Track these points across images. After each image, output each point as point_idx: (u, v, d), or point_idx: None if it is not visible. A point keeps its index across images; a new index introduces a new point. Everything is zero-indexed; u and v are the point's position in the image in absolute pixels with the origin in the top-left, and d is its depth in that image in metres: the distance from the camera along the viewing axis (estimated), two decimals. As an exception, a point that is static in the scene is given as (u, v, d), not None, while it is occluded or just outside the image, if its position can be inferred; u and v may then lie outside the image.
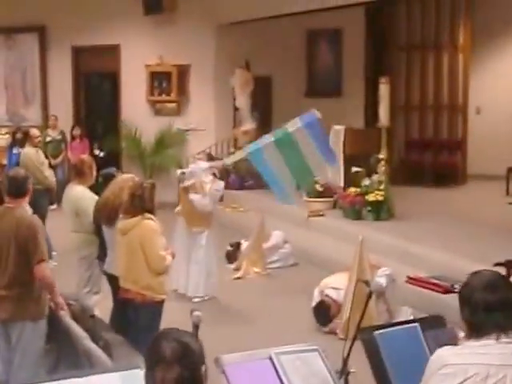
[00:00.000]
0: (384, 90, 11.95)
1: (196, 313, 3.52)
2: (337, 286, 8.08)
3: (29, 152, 11.05)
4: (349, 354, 3.61)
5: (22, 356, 5.72)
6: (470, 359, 3.00)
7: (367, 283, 3.75)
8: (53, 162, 12.69)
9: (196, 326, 3.49)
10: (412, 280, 8.96)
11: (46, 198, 10.69)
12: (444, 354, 3.07)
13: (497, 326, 3.03)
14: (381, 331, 3.57)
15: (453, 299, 8.04)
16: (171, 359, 2.68)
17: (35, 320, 5.74)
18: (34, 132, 11.39)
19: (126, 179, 7.02)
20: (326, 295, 8.12)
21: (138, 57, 15.59)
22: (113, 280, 6.87)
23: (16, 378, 5.58)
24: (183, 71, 15.60)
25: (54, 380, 3.21)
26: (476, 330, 3.06)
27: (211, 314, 8.20)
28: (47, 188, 10.83)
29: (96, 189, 7.71)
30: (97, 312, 7.35)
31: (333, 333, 7.80)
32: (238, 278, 10.36)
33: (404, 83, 16.09)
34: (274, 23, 14.70)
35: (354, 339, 3.58)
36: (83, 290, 7.71)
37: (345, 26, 16.01)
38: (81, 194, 7.73)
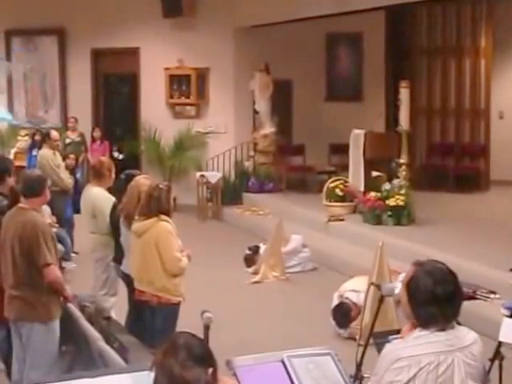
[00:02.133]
0: (405, 94, 11.84)
1: (207, 314, 3.49)
2: (357, 288, 8.00)
3: (46, 153, 11.06)
4: (362, 359, 3.55)
5: (33, 356, 5.71)
6: (421, 350, 3.09)
7: (378, 287, 3.68)
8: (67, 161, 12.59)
9: (207, 327, 3.45)
10: (432, 286, 8.83)
11: (62, 200, 10.67)
12: (396, 347, 3.16)
13: (443, 317, 3.13)
14: (395, 336, 3.50)
15: (474, 305, 7.99)
16: (180, 345, 2.71)
17: (44, 322, 5.71)
18: (54, 134, 11.40)
19: (140, 181, 6.98)
20: (346, 298, 8.04)
21: (157, 60, 15.59)
22: (130, 281, 6.84)
23: (27, 378, 5.57)
24: (202, 74, 15.57)
25: (65, 380, 3.19)
26: (424, 322, 3.14)
27: (226, 316, 8.15)
28: (64, 190, 10.81)
29: (115, 190, 7.66)
30: (113, 314, 7.34)
31: (352, 338, 7.72)
32: (257, 282, 10.30)
33: (425, 87, 15.99)
34: (293, 27, 14.65)
35: (367, 343, 3.52)
36: (100, 292, 7.67)
37: (365, 29, 15.92)
38: (99, 196, 7.70)
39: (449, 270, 3.24)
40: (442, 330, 3.13)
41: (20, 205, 5.76)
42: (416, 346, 3.10)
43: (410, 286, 3.20)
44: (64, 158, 11.73)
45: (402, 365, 3.07)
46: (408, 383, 3.06)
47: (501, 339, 4.60)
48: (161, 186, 6.54)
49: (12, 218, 5.74)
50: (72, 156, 12.35)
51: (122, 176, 7.48)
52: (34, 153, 13.23)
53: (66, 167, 11.48)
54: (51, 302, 5.76)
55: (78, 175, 12.22)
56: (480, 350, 3.22)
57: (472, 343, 3.18)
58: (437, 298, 3.11)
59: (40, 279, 5.63)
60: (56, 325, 5.79)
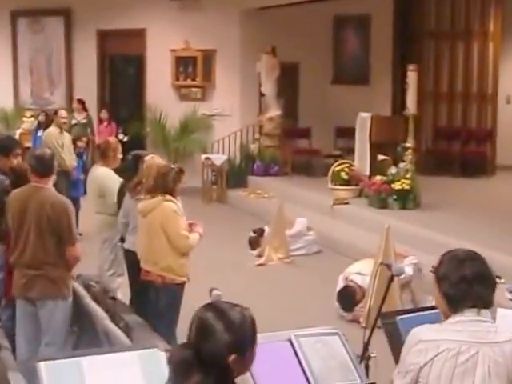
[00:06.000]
0: (412, 77, 11.79)
1: (215, 292, 3.48)
2: (362, 271, 8.00)
3: (52, 131, 11.05)
4: (369, 338, 3.54)
5: (52, 335, 5.72)
6: (442, 335, 3.04)
7: (389, 267, 3.67)
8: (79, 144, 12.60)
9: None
10: (437, 269, 8.81)
11: (63, 180, 10.61)
12: (419, 330, 3.12)
13: (475, 298, 3.08)
14: (402, 316, 3.50)
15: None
16: (190, 338, 2.54)
17: (66, 299, 5.75)
18: (62, 112, 11.44)
19: (156, 159, 6.98)
20: (351, 280, 8.05)
21: (163, 41, 15.53)
22: (131, 258, 6.82)
23: (42, 354, 5.55)
24: (209, 56, 15.51)
25: (75, 357, 3.20)
26: (455, 303, 3.09)
27: (231, 298, 8.13)
28: (64, 170, 10.77)
29: (123, 171, 7.62)
30: (119, 294, 7.33)
31: (356, 321, 7.73)
32: (261, 265, 10.29)
33: (433, 71, 15.91)
34: (300, 9, 14.58)
35: (375, 323, 3.50)
36: (107, 273, 7.64)
37: (373, 12, 15.83)
38: (107, 176, 7.66)
39: (475, 253, 3.22)
40: (476, 314, 3.06)
41: (35, 184, 5.71)
42: (438, 332, 3.06)
43: (438, 272, 3.18)
44: (75, 141, 11.73)
45: (421, 347, 3.03)
46: (424, 367, 3.02)
47: None
48: (173, 166, 6.56)
49: (30, 197, 5.67)
50: (84, 139, 12.33)
51: (129, 157, 7.45)
52: (40, 134, 13.21)
53: (76, 149, 11.47)
54: (69, 279, 5.82)
55: (85, 157, 12.16)
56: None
57: (506, 341, 3.07)
58: (464, 279, 3.08)
59: (63, 257, 5.66)
60: (71, 301, 5.84)
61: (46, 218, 5.57)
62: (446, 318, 3.12)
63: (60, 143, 10.92)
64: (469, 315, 3.06)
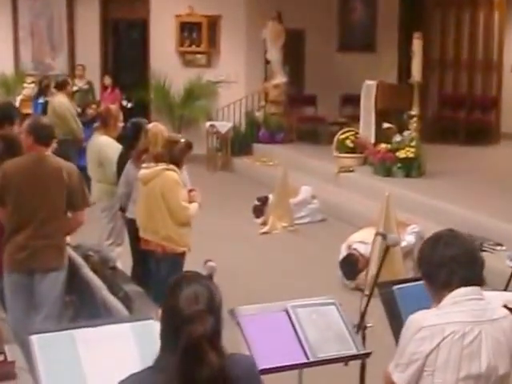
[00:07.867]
0: (417, 45, 11.71)
1: (210, 263, 3.46)
2: (365, 240, 7.97)
3: (64, 101, 10.95)
4: (366, 308, 3.52)
5: (51, 307, 5.63)
6: (444, 319, 2.92)
7: (384, 236, 3.63)
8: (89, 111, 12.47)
9: (210, 277, 3.42)
10: (440, 238, 8.79)
11: (75, 150, 10.60)
12: (418, 317, 2.97)
13: (459, 279, 2.97)
14: (400, 286, 3.48)
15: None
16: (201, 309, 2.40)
17: (65, 267, 5.68)
18: (69, 81, 11.38)
19: (159, 127, 6.94)
20: (354, 249, 8.04)
21: (167, 6, 15.39)
22: (132, 227, 6.79)
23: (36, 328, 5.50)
24: (214, 22, 15.37)
25: (68, 329, 3.16)
26: (431, 283, 3.03)
27: (234, 266, 8.18)
28: (78, 139, 10.75)
29: (123, 139, 7.58)
30: (119, 264, 7.32)
31: (359, 289, 7.72)
32: (265, 233, 10.28)
33: (438, 39, 15.84)
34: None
35: (371, 292, 3.49)
36: (106, 242, 7.62)
37: (380, -22, 15.71)
38: (106, 144, 7.61)
39: (458, 233, 3.11)
40: (472, 297, 2.96)
41: (38, 152, 5.56)
42: (439, 316, 2.93)
43: (419, 258, 3.10)
44: (84, 108, 11.64)
45: (425, 334, 2.89)
46: (430, 354, 2.88)
47: None
48: (182, 139, 6.53)
49: (39, 165, 5.52)
50: (94, 106, 12.22)
51: (128, 125, 7.39)
52: (41, 100, 13.09)
53: (86, 116, 11.41)
54: (65, 246, 5.75)
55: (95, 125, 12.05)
56: (511, 326, 3.02)
57: (503, 317, 3.01)
58: (438, 258, 2.99)
59: (66, 223, 5.60)
60: (66, 270, 5.77)
61: (62, 184, 5.45)
62: (432, 298, 3.04)
63: (74, 112, 10.88)
64: (459, 295, 2.96)
